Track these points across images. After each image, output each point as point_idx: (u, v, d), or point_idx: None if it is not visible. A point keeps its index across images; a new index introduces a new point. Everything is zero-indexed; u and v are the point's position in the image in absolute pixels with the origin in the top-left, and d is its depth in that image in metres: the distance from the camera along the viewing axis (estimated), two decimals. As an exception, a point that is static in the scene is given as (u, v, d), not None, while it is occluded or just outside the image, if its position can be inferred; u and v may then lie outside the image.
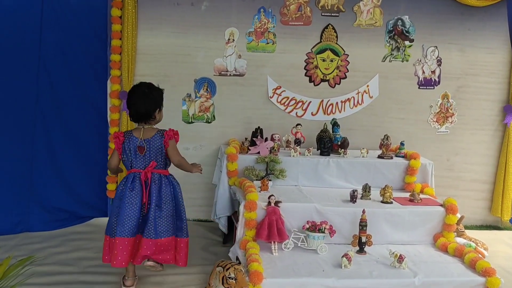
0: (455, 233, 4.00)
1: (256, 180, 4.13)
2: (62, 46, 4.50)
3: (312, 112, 4.88)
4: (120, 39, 4.51)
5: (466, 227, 4.53)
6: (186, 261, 3.46)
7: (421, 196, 4.19)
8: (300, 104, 4.85)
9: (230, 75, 4.74)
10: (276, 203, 3.68)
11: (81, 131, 4.63)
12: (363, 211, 3.67)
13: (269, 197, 3.69)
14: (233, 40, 4.70)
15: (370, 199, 4.06)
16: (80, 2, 4.50)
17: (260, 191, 3.95)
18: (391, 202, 4.02)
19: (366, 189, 4.08)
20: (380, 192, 4.05)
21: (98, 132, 4.68)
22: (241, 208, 3.70)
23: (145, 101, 3.30)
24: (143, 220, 3.31)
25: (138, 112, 3.31)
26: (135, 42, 4.54)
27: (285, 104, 4.84)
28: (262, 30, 4.72)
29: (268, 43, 4.75)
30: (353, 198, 3.95)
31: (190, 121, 4.75)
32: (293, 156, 4.35)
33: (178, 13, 4.61)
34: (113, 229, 3.29)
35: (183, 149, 4.44)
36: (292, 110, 4.85)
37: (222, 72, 4.73)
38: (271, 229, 3.57)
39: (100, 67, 4.61)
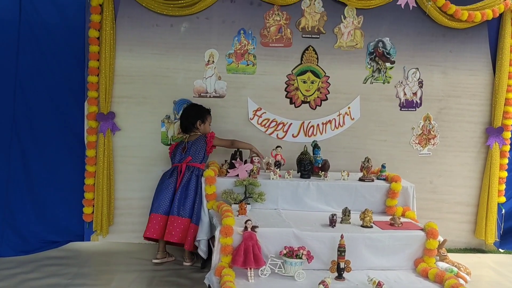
0: (438, 257, 3.93)
1: (234, 203, 4.05)
2: (39, 67, 4.46)
3: (293, 134, 4.83)
4: (98, 60, 4.46)
5: (450, 251, 4.45)
6: (190, 246, 4.15)
7: (402, 220, 4.13)
8: (281, 126, 4.81)
9: (210, 96, 4.70)
10: (253, 227, 3.60)
11: (57, 153, 4.56)
12: (342, 236, 3.59)
13: (245, 222, 3.61)
14: (213, 61, 4.67)
15: (349, 223, 3.99)
16: (58, 23, 4.46)
17: (238, 215, 3.89)
18: (371, 226, 3.95)
19: (346, 212, 4.01)
20: (360, 216, 3.98)
21: (75, 155, 4.59)
22: (217, 233, 3.61)
23: (183, 118, 4.46)
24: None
25: (181, 125, 4.49)
26: (113, 63, 4.49)
27: (266, 126, 4.79)
28: (242, 51, 4.69)
29: (248, 65, 4.71)
30: (332, 222, 3.88)
31: (169, 142, 4.68)
32: (273, 178, 4.29)
33: (157, 34, 4.57)
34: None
35: (161, 171, 4.48)
36: (272, 132, 4.80)
37: (201, 94, 4.69)
38: (247, 255, 3.49)
39: (78, 88, 4.55)
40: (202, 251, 4.17)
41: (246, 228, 3.59)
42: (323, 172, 4.41)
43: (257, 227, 3.62)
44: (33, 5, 4.40)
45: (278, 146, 4.50)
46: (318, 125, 4.85)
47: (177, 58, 4.62)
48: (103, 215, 4.54)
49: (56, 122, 4.53)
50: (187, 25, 4.60)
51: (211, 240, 4.14)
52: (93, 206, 4.55)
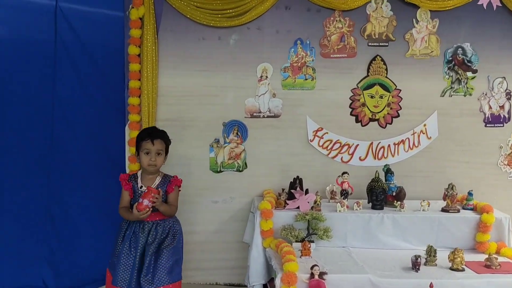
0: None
1: (296, 242, 3.49)
2: (75, 90, 4.14)
3: (360, 157, 4.24)
4: (139, 79, 4.04)
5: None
6: None
7: (499, 259, 3.42)
8: (345, 147, 4.23)
9: (263, 116, 4.20)
10: (321, 274, 3.03)
11: (96, 185, 4.21)
12: (431, 285, 2.95)
13: (311, 268, 3.04)
14: (266, 77, 4.17)
15: (436, 265, 3.35)
16: (94, 41, 4.13)
17: (300, 256, 3.35)
18: (463, 269, 3.28)
19: (431, 252, 3.37)
20: (449, 257, 3.32)
21: (116, 185, 4.15)
22: (278, 281, 3.06)
23: None
24: None
25: None
26: (155, 82, 4.06)
27: (328, 148, 4.23)
28: (299, 64, 4.17)
29: (306, 79, 4.19)
30: (415, 265, 3.23)
31: (218, 170, 4.21)
32: (340, 211, 3.71)
33: (204, 48, 4.11)
34: None
35: (211, 202, 4.10)
36: (336, 155, 4.23)
37: (254, 114, 4.19)
38: (315, 309, 2.91)
39: (117, 111, 4.17)
40: None
41: (312, 275, 3.03)
42: (398, 202, 3.79)
43: (325, 273, 3.04)
44: (68, 23, 4.08)
45: (344, 173, 3.92)
46: (389, 146, 4.24)
47: (226, 74, 4.15)
48: (147, 252, 4.06)
49: (94, 149, 4.19)
50: (237, 37, 4.13)
51: (269, 283, 3.62)
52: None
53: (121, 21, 4.07)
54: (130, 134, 4.08)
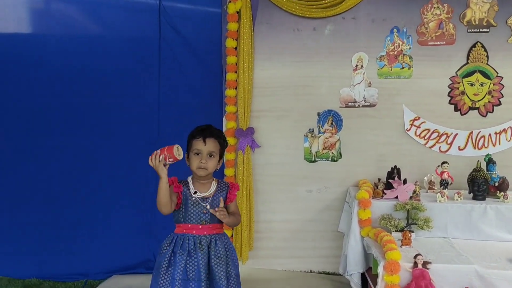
0: None
1: (395, 231, 3.45)
2: (177, 83, 4.27)
3: (459, 147, 4.12)
4: (236, 72, 4.14)
5: None
6: None
7: None
8: (444, 137, 4.12)
9: (358, 106, 4.17)
10: (425, 264, 2.97)
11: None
12: (543, 278, 2.82)
13: (415, 257, 2.99)
14: (362, 66, 4.13)
15: (544, 258, 3.19)
16: (194, 36, 4.24)
17: (401, 246, 3.28)
18: None
19: (540, 245, 3.22)
20: (560, 250, 3.16)
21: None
22: (380, 269, 3.04)
23: None
24: None
25: None
26: (251, 74, 4.14)
27: (426, 137, 4.13)
28: (395, 53, 4.10)
29: (403, 68, 4.11)
30: (523, 257, 3.11)
31: (313, 159, 4.23)
32: (440, 201, 3.61)
33: (298, 40, 4.16)
34: None
35: (305, 192, 4.11)
36: (434, 145, 4.13)
37: (349, 103, 4.17)
38: (419, 298, 2.87)
39: (215, 103, 4.28)
40: (355, 285, 3.65)
41: (416, 264, 2.98)
42: (501, 193, 3.65)
43: (429, 263, 2.98)
44: (171, 20, 4.24)
45: (444, 162, 3.82)
46: (490, 135, 4.08)
47: (321, 65, 4.16)
48: (243, 239, 4.16)
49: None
50: (332, 27, 4.13)
51: (367, 272, 3.60)
52: (232, 229, 4.19)
53: (218, 17, 4.19)
54: (227, 124, 4.20)
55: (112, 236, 4.20)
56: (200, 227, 2.67)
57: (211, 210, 2.65)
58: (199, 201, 2.67)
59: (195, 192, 2.67)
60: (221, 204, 2.68)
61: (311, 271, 4.25)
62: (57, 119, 4.19)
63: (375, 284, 3.16)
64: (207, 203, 2.67)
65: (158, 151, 2.55)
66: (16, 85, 4.18)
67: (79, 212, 4.18)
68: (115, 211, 4.21)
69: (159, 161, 2.51)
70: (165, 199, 2.56)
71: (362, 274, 3.67)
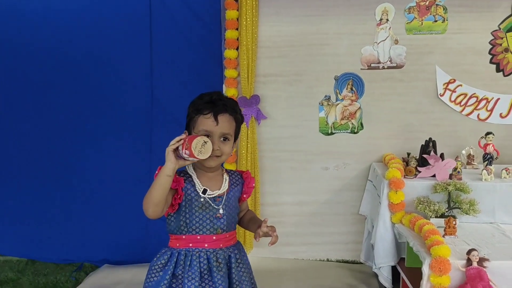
0: None
1: (435, 217, 2.96)
2: (171, 44, 3.87)
3: (501, 114, 3.77)
4: (237, 29, 3.74)
5: None
6: None
7: None
8: (483, 102, 3.77)
9: (383, 67, 3.82)
10: (481, 261, 2.46)
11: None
12: None
13: (468, 252, 2.47)
14: (387, 20, 3.79)
15: None
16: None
17: (444, 236, 2.79)
18: None
19: None
20: None
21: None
22: (425, 268, 2.53)
23: None
24: None
25: None
26: (256, 32, 3.76)
27: (462, 103, 3.78)
28: (427, 4, 3.73)
29: (436, 21, 3.76)
30: None
31: (329, 131, 3.89)
32: (486, 179, 3.13)
33: (312, -10, 3.79)
34: None
35: (321, 169, 3.85)
36: (471, 112, 3.78)
37: (372, 65, 3.82)
38: (476, 304, 2.40)
39: (212, 67, 3.89)
40: (385, 280, 3.22)
41: (469, 261, 2.46)
42: (558, 168, 3.14)
43: (487, 260, 2.46)
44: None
45: (489, 133, 3.38)
46: (538, 100, 3.72)
47: (338, 19, 3.80)
48: (248, 224, 3.81)
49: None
50: (351, -27, 3.74)
51: (399, 264, 3.16)
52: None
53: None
54: (227, 92, 3.83)
55: (107, 222, 3.98)
56: (214, 237, 1.94)
57: (260, 231, 1.94)
58: (210, 202, 1.94)
59: (205, 191, 1.93)
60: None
61: (327, 260, 3.97)
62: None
63: (411, 279, 2.83)
64: (220, 205, 1.96)
65: (183, 135, 1.81)
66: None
67: (73, 194, 3.98)
68: (111, 194, 3.96)
69: (173, 144, 1.78)
70: (159, 197, 1.80)
71: (393, 268, 3.23)
